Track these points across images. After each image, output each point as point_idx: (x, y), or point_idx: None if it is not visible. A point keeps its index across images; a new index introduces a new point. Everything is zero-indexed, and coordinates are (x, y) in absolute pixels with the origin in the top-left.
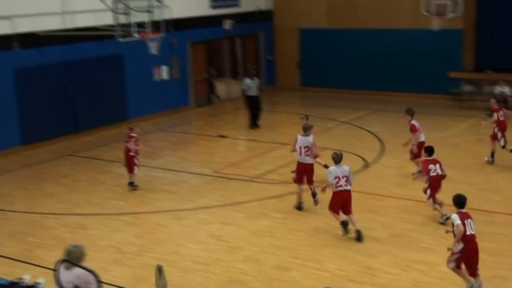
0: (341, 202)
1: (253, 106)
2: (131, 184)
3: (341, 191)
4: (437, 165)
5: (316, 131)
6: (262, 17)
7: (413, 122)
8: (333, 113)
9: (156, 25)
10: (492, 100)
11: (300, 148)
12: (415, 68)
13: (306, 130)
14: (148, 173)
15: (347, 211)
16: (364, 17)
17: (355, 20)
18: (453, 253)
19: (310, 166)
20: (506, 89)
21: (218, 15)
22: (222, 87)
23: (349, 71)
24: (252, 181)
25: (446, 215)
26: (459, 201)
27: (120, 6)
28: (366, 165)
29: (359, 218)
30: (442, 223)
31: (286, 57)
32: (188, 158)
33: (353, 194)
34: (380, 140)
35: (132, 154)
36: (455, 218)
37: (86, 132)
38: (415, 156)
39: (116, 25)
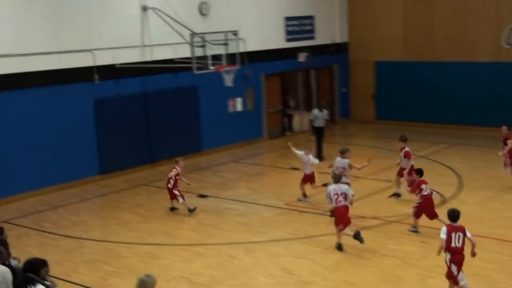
0: (341, 216)
1: (318, 137)
2: (171, 208)
3: (340, 206)
4: (427, 185)
5: (391, 165)
6: (337, 50)
7: (407, 148)
8: (408, 147)
9: (231, 58)
10: (504, 127)
11: (337, 168)
12: (495, 101)
13: (343, 153)
14: (219, 204)
15: (348, 223)
16: (441, 50)
17: (432, 53)
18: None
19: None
20: None
21: (293, 47)
22: (295, 119)
23: (426, 104)
24: (325, 215)
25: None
26: (453, 215)
27: (197, 39)
28: (444, 201)
29: (437, 257)
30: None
31: (360, 90)
32: (260, 190)
33: (429, 231)
34: (458, 175)
35: (169, 186)
36: (442, 231)
37: (161, 162)
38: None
39: (192, 58)
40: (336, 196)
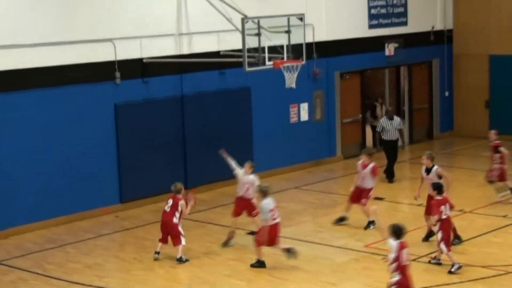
0: (276, 234)
1: (389, 154)
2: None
3: (277, 223)
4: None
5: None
6: (438, 40)
7: (374, 164)
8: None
9: (295, 50)
10: (493, 132)
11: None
12: None
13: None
14: (277, 247)
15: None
16: None
17: None
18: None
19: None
20: None
21: (378, 36)
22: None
23: None
24: (418, 261)
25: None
26: (398, 231)
27: (250, 25)
28: None
29: None
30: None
31: (469, 94)
32: (332, 227)
33: None
34: None
35: (175, 220)
36: (392, 247)
37: (199, 189)
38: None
39: (243, 50)
40: (272, 213)
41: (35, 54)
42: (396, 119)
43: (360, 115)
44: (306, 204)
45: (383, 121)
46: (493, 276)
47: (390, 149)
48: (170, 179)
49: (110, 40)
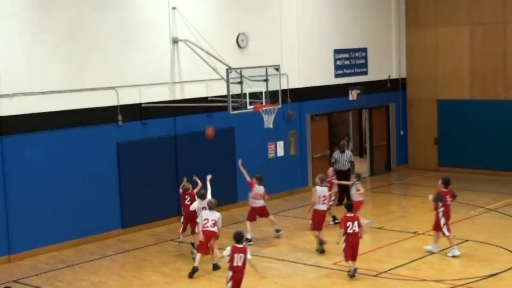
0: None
1: (346, 180)
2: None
3: (208, 230)
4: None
5: (457, 219)
6: (394, 87)
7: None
8: (477, 199)
9: (272, 96)
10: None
11: (319, 197)
12: None
13: (323, 181)
14: (258, 263)
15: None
16: None
17: (505, 90)
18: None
19: (324, 213)
20: None
21: (343, 84)
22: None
23: (498, 149)
24: (379, 277)
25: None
26: (237, 237)
27: (233, 75)
28: None
29: None
30: None
31: (421, 132)
32: (304, 247)
33: None
34: None
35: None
36: (227, 251)
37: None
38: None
39: (228, 96)
40: (206, 221)
41: (48, 100)
42: (347, 152)
43: (328, 151)
44: (282, 227)
45: (336, 154)
46: None
47: (342, 178)
48: (165, 207)
49: (113, 88)
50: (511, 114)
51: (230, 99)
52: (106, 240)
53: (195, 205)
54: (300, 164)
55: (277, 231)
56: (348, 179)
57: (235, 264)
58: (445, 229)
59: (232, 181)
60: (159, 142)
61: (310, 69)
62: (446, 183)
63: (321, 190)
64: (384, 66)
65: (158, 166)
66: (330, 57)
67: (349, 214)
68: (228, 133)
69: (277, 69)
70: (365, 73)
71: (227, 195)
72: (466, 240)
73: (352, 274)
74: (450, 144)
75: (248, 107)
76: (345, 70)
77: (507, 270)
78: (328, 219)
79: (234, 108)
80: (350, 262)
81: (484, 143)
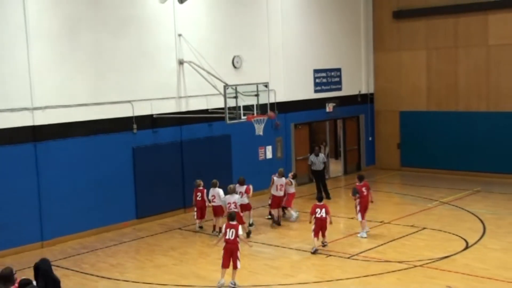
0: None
1: (318, 179)
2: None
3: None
4: (323, 210)
5: (416, 211)
6: (363, 100)
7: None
8: (433, 193)
9: (262, 108)
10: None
11: (277, 186)
12: None
13: (281, 174)
14: (250, 248)
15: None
16: (465, 100)
17: (456, 103)
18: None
19: (280, 198)
20: None
21: (321, 98)
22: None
23: (450, 152)
24: (351, 259)
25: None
26: (230, 216)
27: (230, 91)
28: (467, 246)
29: None
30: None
31: (386, 138)
32: (289, 234)
33: (453, 275)
34: (481, 221)
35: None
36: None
37: (193, 208)
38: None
39: (225, 108)
40: (229, 205)
41: (75, 112)
42: (321, 155)
43: (308, 154)
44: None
45: (312, 157)
46: (405, 269)
47: (318, 177)
48: (173, 201)
49: (129, 101)
50: (461, 123)
51: (227, 111)
52: (123, 229)
53: (222, 197)
54: (285, 165)
55: (251, 225)
56: (323, 178)
57: (227, 237)
58: (359, 216)
59: (228, 179)
60: (168, 147)
61: (293, 85)
62: (360, 178)
63: (278, 180)
64: (355, 83)
65: (167, 167)
66: (310, 76)
67: (318, 203)
68: (225, 139)
69: (266, 86)
70: (340, 89)
71: (224, 191)
72: (424, 228)
73: (314, 252)
74: (411, 148)
75: (242, 117)
76: (323, 87)
77: (458, 252)
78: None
79: (230, 119)
80: (315, 239)
81: (440, 147)
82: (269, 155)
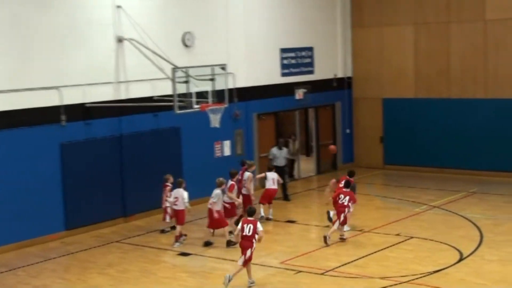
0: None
1: (282, 177)
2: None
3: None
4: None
5: (401, 217)
6: (340, 86)
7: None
8: (421, 196)
9: (218, 95)
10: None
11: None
12: None
13: (251, 166)
14: (204, 263)
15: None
16: (459, 85)
17: (448, 89)
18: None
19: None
20: None
21: (289, 83)
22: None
23: (441, 147)
24: (326, 275)
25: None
26: (250, 212)
27: (179, 74)
28: (462, 258)
29: None
30: None
31: (366, 131)
32: None
33: None
34: (478, 227)
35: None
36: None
37: (136, 216)
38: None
39: (174, 95)
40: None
41: None
42: (284, 149)
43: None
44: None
45: (274, 150)
46: (389, 286)
47: (280, 174)
48: (110, 208)
49: (56, 87)
50: (454, 112)
51: (176, 99)
52: (49, 242)
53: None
54: None
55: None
56: (283, 174)
57: (244, 233)
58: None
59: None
60: (104, 143)
61: (256, 68)
62: (350, 174)
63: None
64: (330, 65)
65: (103, 167)
66: (276, 56)
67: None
68: (174, 132)
69: (223, 68)
70: (311, 72)
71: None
72: (411, 237)
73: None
74: (396, 143)
75: (194, 106)
76: (291, 69)
77: (450, 266)
78: None
79: (180, 108)
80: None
81: (429, 141)
82: (227, 151)
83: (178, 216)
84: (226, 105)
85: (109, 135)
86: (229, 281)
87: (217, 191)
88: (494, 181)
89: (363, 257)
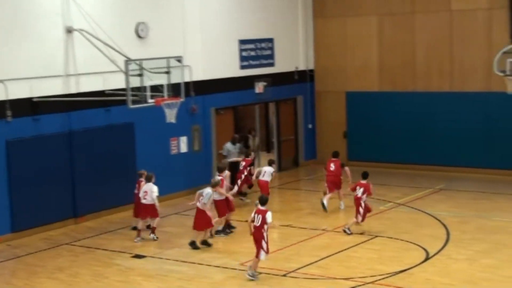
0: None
1: (233, 173)
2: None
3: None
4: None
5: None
6: (301, 79)
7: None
8: (386, 193)
9: (174, 89)
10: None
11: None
12: (488, 139)
13: (221, 171)
14: (160, 266)
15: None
16: (424, 78)
17: (413, 81)
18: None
19: (217, 202)
20: None
21: (249, 76)
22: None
23: (407, 142)
24: (287, 276)
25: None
26: (262, 200)
27: (133, 67)
28: (428, 257)
29: None
30: None
31: (329, 126)
32: (210, 248)
33: None
34: (444, 226)
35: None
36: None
37: (88, 217)
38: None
39: (127, 89)
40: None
41: None
42: (238, 144)
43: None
44: (187, 228)
45: (228, 145)
46: (353, 287)
47: (234, 169)
48: (60, 209)
49: (1, 81)
50: (420, 106)
51: (130, 93)
52: None
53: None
54: (204, 161)
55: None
56: (237, 169)
57: (254, 223)
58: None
59: (132, 179)
60: (53, 139)
61: (214, 60)
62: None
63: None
64: (291, 57)
65: (52, 165)
66: (235, 48)
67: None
68: (127, 128)
69: (179, 61)
70: (272, 64)
71: (127, 195)
72: (376, 236)
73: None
74: (360, 138)
75: (149, 100)
76: (251, 62)
77: (416, 265)
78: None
79: (133, 102)
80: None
81: (394, 136)
82: (183, 148)
83: (149, 210)
84: (182, 100)
85: (58, 132)
86: (254, 276)
87: (208, 190)
88: (462, 177)
89: (326, 257)
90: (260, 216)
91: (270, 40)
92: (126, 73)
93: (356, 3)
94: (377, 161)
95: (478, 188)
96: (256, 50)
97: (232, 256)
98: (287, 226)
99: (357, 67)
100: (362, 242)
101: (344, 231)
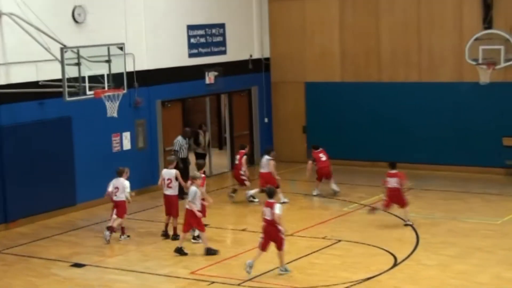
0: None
1: (186, 169)
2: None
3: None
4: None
5: (328, 217)
6: (256, 68)
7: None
8: (350, 193)
9: (116, 79)
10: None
11: (164, 180)
12: (459, 133)
13: (170, 163)
14: (101, 275)
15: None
16: (390, 68)
17: (378, 71)
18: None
19: (173, 198)
20: None
21: (198, 65)
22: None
23: (372, 137)
24: (242, 286)
25: None
26: (269, 193)
27: (69, 55)
28: (396, 263)
29: None
30: None
31: (287, 120)
32: (157, 255)
33: None
34: (413, 228)
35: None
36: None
37: (20, 222)
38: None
39: (63, 80)
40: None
41: None
42: (187, 139)
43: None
44: (131, 232)
45: (181, 140)
46: None
47: (184, 165)
48: None
49: None
50: (386, 97)
51: (66, 84)
52: None
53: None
54: (150, 158)
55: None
56: (187, 165)
57: (265, 216)
58: None
59: (70, 180)
60: None
61: (160, 48)
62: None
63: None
64: (245, 44)
65: None
66: (183, 34)
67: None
68: (64, 123)
69: (121, 48)
70: (224, 52)
71: (63, 197)
72: (339, 241)
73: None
74: (320, 133)
75: (88, 92)
76: (200, 49)
77: (383, 272)
78: None
79: (70, 94)
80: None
81: (359, 131)
82: (127, 145)
83: (119, 207)
84: (124, 91)
85: None
86: (285, 270)
87: (192, 188)
88: (432, 176)
89: (285, 264)
90: (269, 209)
91: (222, 26)
92: (62, 62)
93: None
94: (340, 158)
95: (449, 187)
96: (206, 36)
97: (181, 263)
98: (242, 230)
99: (317, 55)
100: (324, 247)
101: (407, 225)
